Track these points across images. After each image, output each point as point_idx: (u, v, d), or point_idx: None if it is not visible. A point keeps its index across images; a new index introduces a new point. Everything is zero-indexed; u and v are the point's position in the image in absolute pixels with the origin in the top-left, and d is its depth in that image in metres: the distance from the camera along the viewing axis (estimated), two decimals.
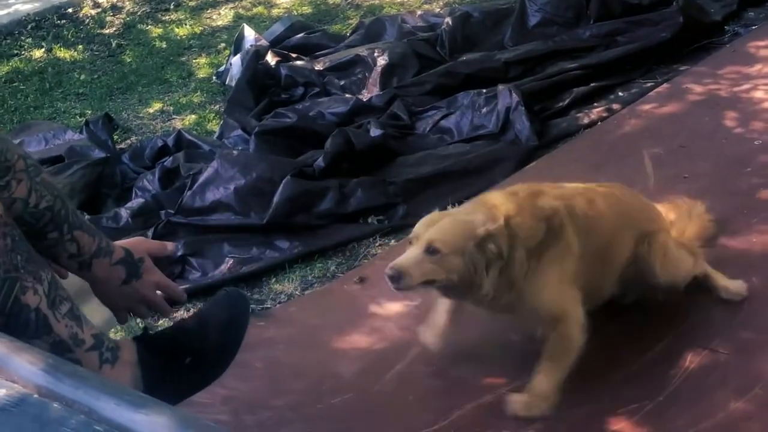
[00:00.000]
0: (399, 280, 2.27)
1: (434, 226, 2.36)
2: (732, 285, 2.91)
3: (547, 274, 2.48)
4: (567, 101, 4.61)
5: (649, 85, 4.67)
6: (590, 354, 2.63)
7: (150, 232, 3.88)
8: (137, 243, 1.95)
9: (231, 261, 3.78)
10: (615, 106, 4.52)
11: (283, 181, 3.94)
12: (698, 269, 2.90)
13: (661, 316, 2.90)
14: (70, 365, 1.18)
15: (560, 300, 2.52)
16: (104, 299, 1.90)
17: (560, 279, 2.51)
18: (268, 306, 3.51)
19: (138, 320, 3.35)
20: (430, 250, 2.29)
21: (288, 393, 2.78)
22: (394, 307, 3.19)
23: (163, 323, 3.35)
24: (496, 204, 2.51)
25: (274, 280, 3.67)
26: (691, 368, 2.69)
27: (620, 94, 4.66)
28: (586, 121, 4.44)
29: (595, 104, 4.60)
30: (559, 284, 2.51)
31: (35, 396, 1.07)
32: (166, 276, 2.00)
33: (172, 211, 4.05)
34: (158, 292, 1.95)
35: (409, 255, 2.31)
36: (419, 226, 2.41)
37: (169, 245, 2.08)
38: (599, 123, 4.41)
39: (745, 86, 4.50)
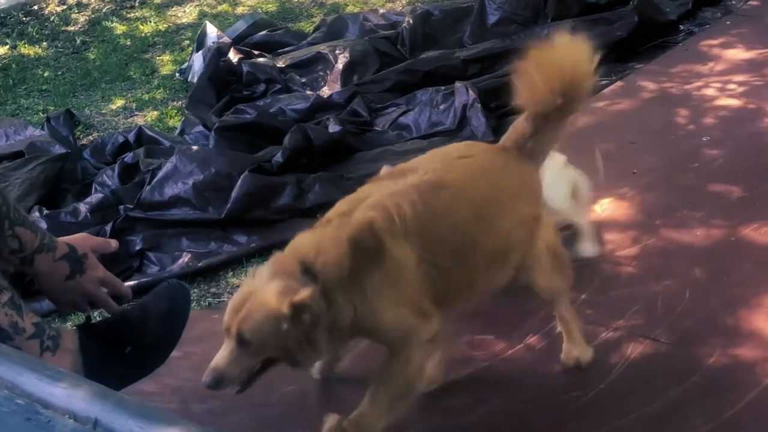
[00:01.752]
0: (219, 384, 2.03)
1: (240, 313, 2.04)
2: (574, 349, 2.71)
3: (377, 301, 2.16)
4: None
5: (603, 82, 4.75)
6: (531, 342, 2.71)
7: (108, 227, 3.92)
8: (81, 239, 2.00)
9: (189, 255, 3.82)
10: None
11: (242, 176, 3.98)
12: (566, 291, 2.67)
13: (602, 307, 2.98)
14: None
15: (400, 322, 2.21)
16: (48, 294, 1.94)
17: (396, 300, 2.19)
18: (224, 300, 3.56)
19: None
20: (243, 343, 2.03)
21: None
22: None
23: None
24: (298, 250, 2.21)
25: (231, 274, 3.72)
26: (632, 357, 2.77)
27: None
28: None
29: None
30: (394, 306, 2.20)
31: None
32: (118, 271, 2.03)
33: (131, 206, 4.08)
34: (103, 288, 1.99)
35: (224, 353, 2.03)
36: (228, 314, 2.08)
37: (113, 242, 2.11)
38: None
39: (697, 84, 4.61)
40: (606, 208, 3.58)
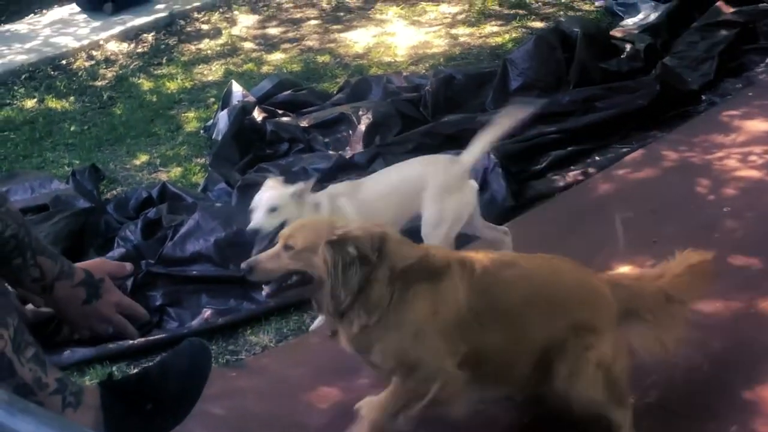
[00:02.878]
0: (253, 271, 2.30)
1: (297, 226, 2.40)
2: None
3: (414, 310, 2.30)
4: (544, 164, 4.72)
5: (624, 150, 4.79)
6: None
7: (129, 283, 3.94)
8: (97, 265, 2.04)
9: (208, 312, 3.84)
10: (591, 170, 4.63)
11: None
12: (615, 416, 2.57)
13: None
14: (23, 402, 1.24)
15: (426, 347, 2.33)
16: (66, 319, 1.97)
17: (432, 321, 2.32)
18: (242, 357, 3.56)
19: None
20: (286, 246, 2.31)
21: None
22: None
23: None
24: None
25: (249, 331, 3.72)
26: (649, 429, 2.73)
27: (596, 158, 4.77)
28: (562, 183, 4.54)
29: (572, 167, 4.70)
30: (428, 327, 2.32)
31: None
32: (138, 326, 2.07)
33: (152, 261, 4.11)
34: (119, 313, 2.03)
35: (267, 252, 2.37)
36: (286, 230, 2.46)
37: (128, 265, 2.18)
38: (574, 186, 4.50)
39: (718, 154, 4.62)
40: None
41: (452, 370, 2.35)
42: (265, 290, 2.39)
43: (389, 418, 2.45)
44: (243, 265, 2.31)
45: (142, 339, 3.73)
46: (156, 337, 3.73)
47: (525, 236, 4.06)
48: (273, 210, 3.29)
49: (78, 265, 2.01)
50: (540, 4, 7.64)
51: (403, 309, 2.30)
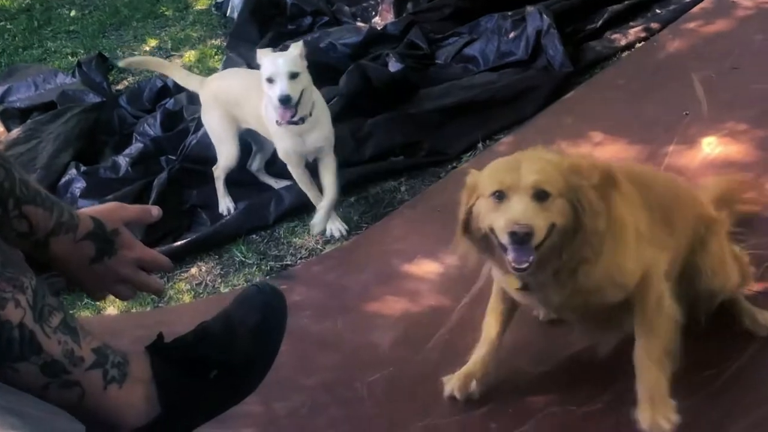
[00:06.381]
0: (529, 238, 1.80)
1: (529, 170, 1.89)
2: (761, 315, 2.33)
3: (621, 224, 2.02)
4: (600, 22, 4.21)
5: (689, 0, 4.26)
6: None
7: (158, 180, 3.63)
8: (111, 211, 1.54)
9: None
10: (654, 25, 4.12)
11: None
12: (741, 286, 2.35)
13: None
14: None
15: (642, 256, 2.05)
16: (72, 281, 1.53)
17: (635, 231, 2.06)
18: (288, 263, 3.20)
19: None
20: (540, 196, 1.86)
21: (320, 370, 2.47)
22: (429, 266, 2.86)
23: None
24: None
25: (291, 234, 3.35)
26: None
27: (657, 11, 4.26)
28: (623, 43, 4.05)
29: (632, 24, 4.20)
30: (635, 235, 2.07)
31: None
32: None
33: (173, 157, 3.75)
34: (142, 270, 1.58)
35: (519, 207, 1.84)
36: (502, 173, 1.92)
37: (154, 209, 1.64)
38: (638, 45, 4.02)
39: None
40: (715, 146, 3.13)
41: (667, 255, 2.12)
42: (525, 262, 1.84)
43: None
44: (516, 228, 1.79)
45: (175, 243, 3.40)
46: (187, 240, 3.42)
47: (590, 105, 3.63)
48: (294, 76, 3.05)
49: (85, 211, 1.51)
50: None
51: (615, 228, 1.99)
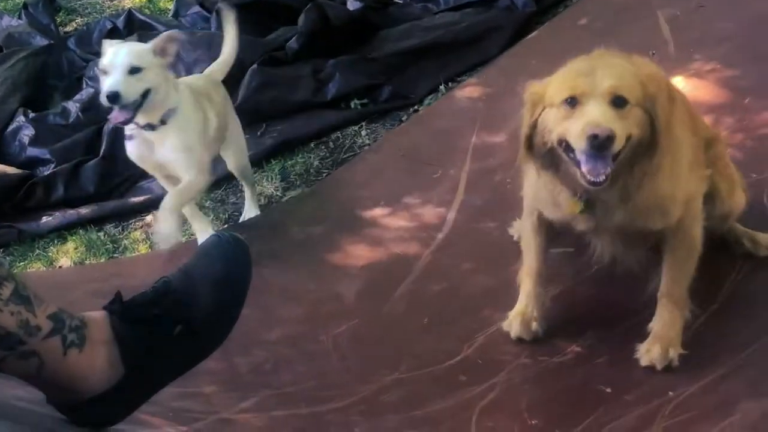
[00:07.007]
0: (608, 143, 1.69)
1: (605, 75, 1.77)
2: (762, 237, 2.29)
3: (678, 144, 1.92)
4: None
5: None
6: None
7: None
8: None
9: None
10: None
11: (250, 70, 3.55)
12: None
13: None
14: None
15: (688, 186, 1.96)
16: None
17: (686, 155, 1.96)
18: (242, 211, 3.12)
19: None
20: (617, 102, 1.75)
21: (283, 323, 2.40)
22: (393, 213, 2.79)
23: None
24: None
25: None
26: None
27: None
28: None
29: None
30: (687, 160, 1.96)
31: None
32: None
33: None
34: None
35: (598, 112, 1.73)
36: (576, 78, 1.79)
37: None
38: None
39: None
40: (682, 87, 3.07)
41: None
42: (601, 176, 1.73)
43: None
44: (598, 131, 1.68)
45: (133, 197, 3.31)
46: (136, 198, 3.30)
47: (556, 45, 3.54)
48: (135, 71, 2.51)
49: None
50: None
51: (674, 148, 1.91)
